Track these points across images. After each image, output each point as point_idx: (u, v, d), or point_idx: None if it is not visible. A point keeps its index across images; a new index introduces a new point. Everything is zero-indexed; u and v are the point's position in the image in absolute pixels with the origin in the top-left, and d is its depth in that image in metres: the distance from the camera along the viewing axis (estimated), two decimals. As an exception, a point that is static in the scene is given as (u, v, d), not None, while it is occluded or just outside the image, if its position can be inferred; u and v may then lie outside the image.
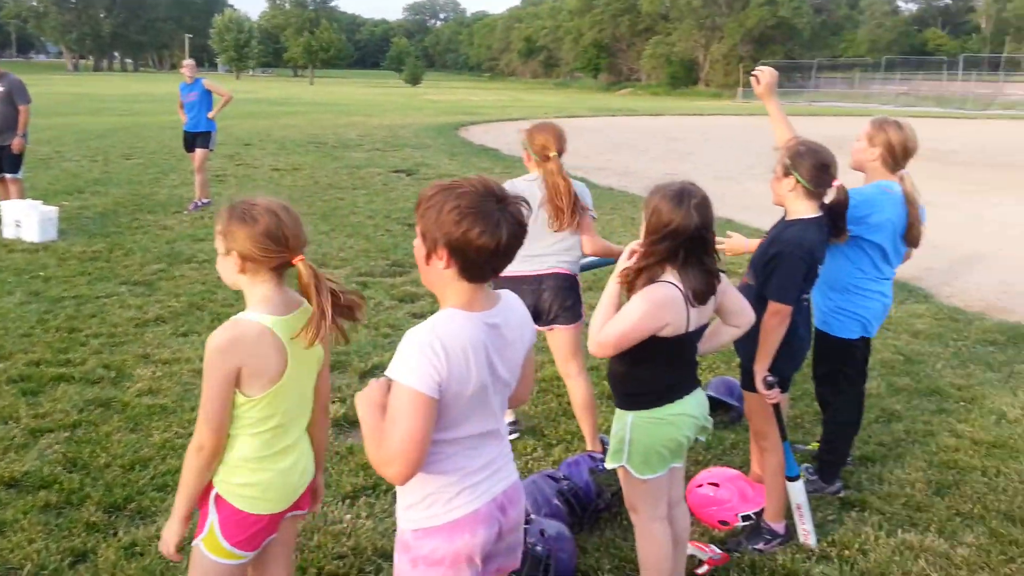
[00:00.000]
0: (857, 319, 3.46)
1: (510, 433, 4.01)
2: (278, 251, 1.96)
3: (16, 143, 8.41)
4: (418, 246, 1.76)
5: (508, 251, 1.70)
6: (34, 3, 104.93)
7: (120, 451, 3.79)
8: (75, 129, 19.23)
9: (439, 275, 1.74)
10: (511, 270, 1.90)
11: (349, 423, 4.21)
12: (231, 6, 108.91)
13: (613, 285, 2.52)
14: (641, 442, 2.50)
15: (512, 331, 1.84)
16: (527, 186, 3.67)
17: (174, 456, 3.74)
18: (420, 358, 1.66)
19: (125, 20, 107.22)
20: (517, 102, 44.68)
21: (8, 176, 8.58)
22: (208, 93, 10.00)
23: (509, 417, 4.07)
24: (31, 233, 7.82)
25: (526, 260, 3.55)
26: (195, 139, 10.07)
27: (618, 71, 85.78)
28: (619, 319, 2.41)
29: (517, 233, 1.70)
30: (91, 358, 4.92)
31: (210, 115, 9.98)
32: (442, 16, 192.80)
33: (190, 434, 3.85)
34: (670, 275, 2.40)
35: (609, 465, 2.62)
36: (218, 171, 12.92)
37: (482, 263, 1.70)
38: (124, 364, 4.84)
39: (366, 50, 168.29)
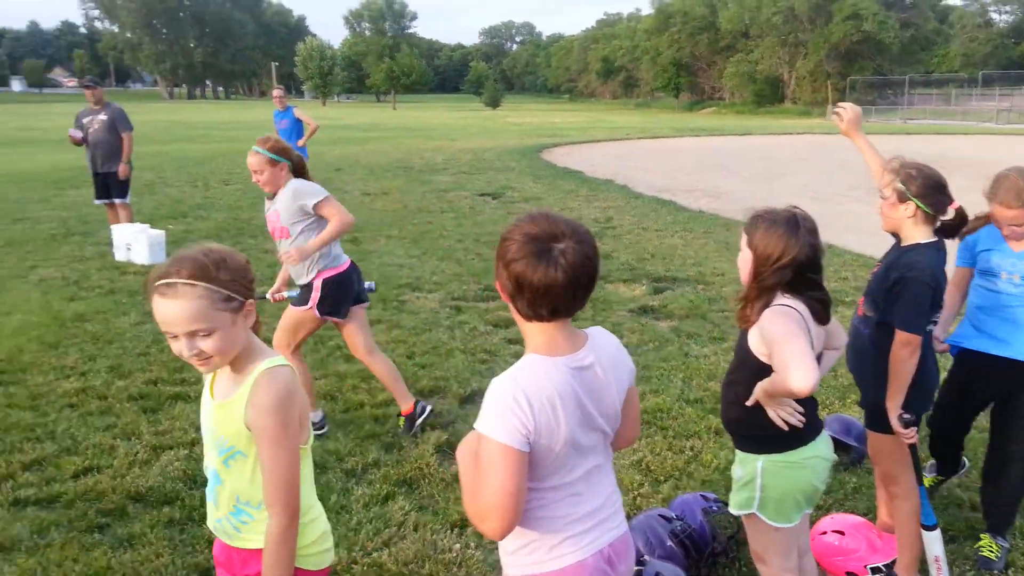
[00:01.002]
0: None
1: (317, 429, 4.32)
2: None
3: (121, 169, 8.85)
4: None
5: (567, 289, 1.63)
6: (128, 35, 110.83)
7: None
8: (175, 156, 20.14)
9: (515, 315, 1.73)
10: None
11: (451, 449, 4.20)
12: (313, 34, 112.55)
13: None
14: (776, 488, 2.39)
15: (604, 373, 1.76)
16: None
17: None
18: (504, 411, 1.62)
19: (215, 50, 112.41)
20: (598, 123, 44.66)
21: (117, 201, 9.04)
22: (299, 121, 10.35)
23: (316, 416, 4.41)
24: (141, 256, 8.17)
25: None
26: (290, 165, 10.39)
27: (700, 90, 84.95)
28: (788, 348, 2.20)
29: (573, 271, 1.62)
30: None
31: (300, 143, 10.32)
32: (518, 39, 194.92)
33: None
34: (784, 299, 2.30)
35: (736, 512, 2.51)
36: (311, 195, 13.28)
37: (539, 302, 1.64)
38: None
39: (445, 75, 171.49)
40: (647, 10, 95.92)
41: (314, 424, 4.38)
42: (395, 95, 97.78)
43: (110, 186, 8.95)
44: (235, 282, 1.75)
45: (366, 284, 4.65)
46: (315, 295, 4.17)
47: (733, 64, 73.02)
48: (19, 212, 11.53)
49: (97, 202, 9.23)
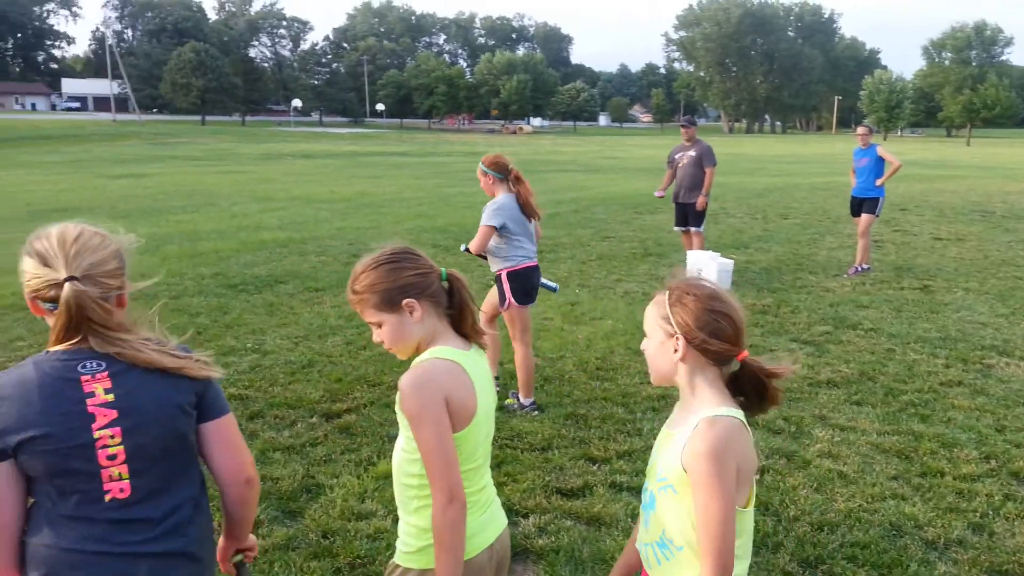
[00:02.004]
0: None
1: (520, 408, 5.29)
2: None
3: (700, 201, 9.58)
4: None
5: None
6: (702, 74, 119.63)
7: (807, 508, 3.89)
8: (735, 188, 21.08)
9: None
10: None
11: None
12: (884, 67, 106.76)
13: None
14: None
15: None
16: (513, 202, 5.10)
17: (860, 528, 3.69)
18: None
19: (779, 85, 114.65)
20: None
21: (692, 229, 9.83)
22: (880, 160, 9.92)
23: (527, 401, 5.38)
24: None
25: (532, 255, 5.20)
26: (862, 204, 10.04)
27: None
28: None
29: None
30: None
31: (878, 182, 9.88)
32: None
33: (875, 509, 3.73)
34: None
35: None
36: (875, 236, 12.61)
37: None
38: (802, 421, 5.00)
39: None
40: None
41: (522, 406, 5.25)
42: (970, 129, 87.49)
43: (688, 215, 9.78)
44: (689, 317, 1.75)
45: (552, 284, 5.69)
46: (506, 289, 5.13)
47: None
48: (607, 231, 13.35)
49: (676, 228, 10.17)
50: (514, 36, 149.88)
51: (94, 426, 1.64)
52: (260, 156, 37.01)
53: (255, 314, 7.57)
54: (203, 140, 53.44)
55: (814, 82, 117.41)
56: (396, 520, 2.05)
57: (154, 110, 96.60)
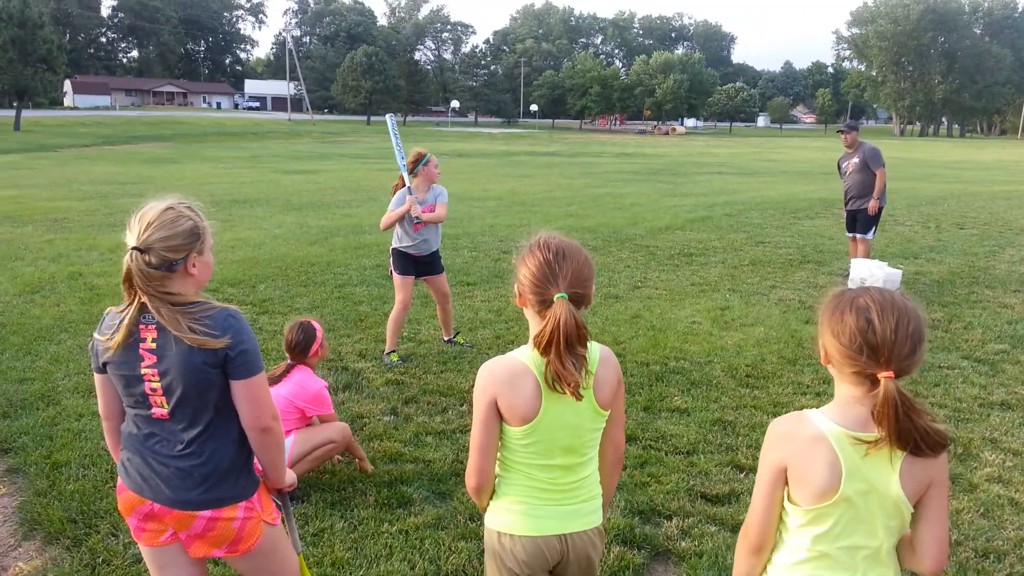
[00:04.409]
0: None
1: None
2: None
3: (871, 205, 9.12)
4: None
5: None
6: (873, 73, 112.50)
7: (971, 533, 3.67)
8: (905, 193, 19.81)
9: None
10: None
11: None
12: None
13: None
14: None
15: None
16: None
17: (1030, 564, 3.44)
18: None
19: (960, 86, 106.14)
20: None
21: (859, 236, 9.36)
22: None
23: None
24: (873, 292, 8.31)
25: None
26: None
27: None
28: None
29: None
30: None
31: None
32: None
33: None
34: None
35: None
36: (1065, 250, 11.57)
37: None
38: (971, 443, 4.70)
39: None
40: None
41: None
42: None
43: (857, 221, 9.35)
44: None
45: None
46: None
47: None
48: (762, 236, 12.93)
49: (848, 234, 9.74)
50: (673, 35, 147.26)
51: (142, 364, 2.17)
52: (419, 154, 38.38)
53: (411, 305, 7.93)
54: (367, 139, 56.15)
55: (1000, 83, 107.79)
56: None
57: (325, 110, 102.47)
